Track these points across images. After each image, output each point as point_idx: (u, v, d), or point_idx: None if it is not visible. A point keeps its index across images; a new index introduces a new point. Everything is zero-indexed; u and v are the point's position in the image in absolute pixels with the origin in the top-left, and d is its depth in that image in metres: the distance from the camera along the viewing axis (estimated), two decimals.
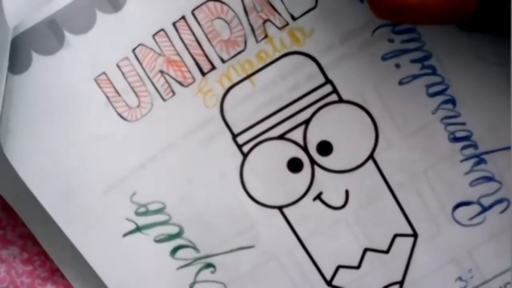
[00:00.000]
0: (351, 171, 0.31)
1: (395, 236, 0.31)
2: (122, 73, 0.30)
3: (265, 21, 0.30)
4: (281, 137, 0.31)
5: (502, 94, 0.30)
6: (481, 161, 0.31)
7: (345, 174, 0.31)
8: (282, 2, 0.29)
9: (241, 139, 0.31)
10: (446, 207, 0.31)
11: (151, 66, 0.30)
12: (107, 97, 0.30)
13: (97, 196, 0.31)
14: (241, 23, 0.30)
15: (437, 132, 0.30)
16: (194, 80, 0.30)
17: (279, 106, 0.30)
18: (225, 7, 0.29)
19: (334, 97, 0.30)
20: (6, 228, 0.33)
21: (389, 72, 0.30)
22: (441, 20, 0.25)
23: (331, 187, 0.31)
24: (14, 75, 0.30)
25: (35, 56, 0.30)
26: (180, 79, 0.30)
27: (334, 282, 0.32)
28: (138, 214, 0.31)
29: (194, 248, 0.32)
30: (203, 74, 0.30)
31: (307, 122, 0.30)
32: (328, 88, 0.30)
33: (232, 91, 0.30)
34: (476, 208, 0.31)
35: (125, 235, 0.31)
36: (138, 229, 0.31)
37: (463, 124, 0.30)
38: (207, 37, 0.30)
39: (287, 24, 0.30)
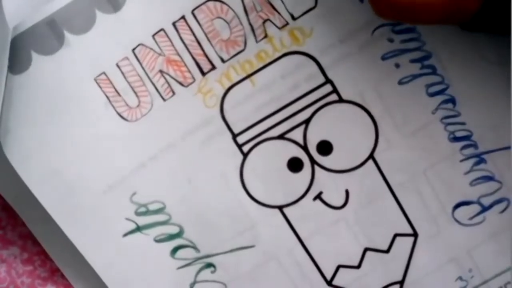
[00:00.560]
0: (351, 170, 0.31)
1: (395, 236, 0.31)
2: (122, 73, 0.30)
3: (265, 21, 0.30)
4: (281, 136, 0.31)
5: (502, 94, 0.30)
6: (481, 160, 0.31)
7: (345, 174, 0.31)
8: (282, 2, 0.29)
9: (241, 139, 0.31)
10: (446, 207, 0.31)
11: (151, 66, 0.30)
12: (107, 97, 0.30)
13: (97, 196, 0.31)
14: (241, 23, 0.30)
15: (437, 131, 0.30)
16: (194, 80, 0.30)
17: (279, 106, 0.30)
18: (225, 7, 0.29)
19: (334, 96, 0.30)
20: (6, 228, 0.33)
21: (389, 72, 0.30)
22: (442, 20, 0.25)
23: (331, 186, 0.31)
24: (14, 75, 0.30)
25: (35, 56, 0.30)
26: (180, 79, 0.30)
27: (334, 282, 0.32)
28: (138, 214, 0.31)
29: (194, 248, 0.32)
30: (203, 74, 0.30)
31: (307, 121, 0.30)
32: (328, 88, 0.30)
33: (232, 91, 0.30)
34: (476, 208, 0.31)
35: (125, 235, 0.31)
36: (138, 229, 0.31)
37: (463, 123, 0.30)
38: (207, 37, 0.30)
39: (287, 24, 0.30)
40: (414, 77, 0.30)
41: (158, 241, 0.32)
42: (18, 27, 0.29)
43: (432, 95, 0.30)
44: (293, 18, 0.30)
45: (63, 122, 0.30)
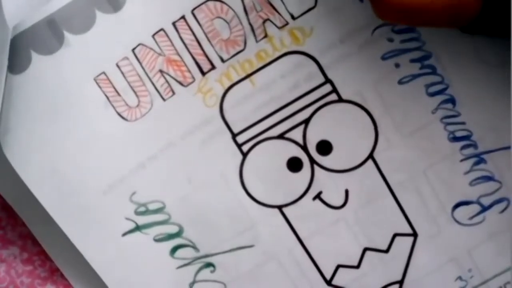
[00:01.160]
0: (351, 170, 0.31)
1: (395, 235, 0.31)
2: (122, 73, 0.30)
3: (265, 21, 0.30)
4: (281, 136, 0.31)
5: (502, 94, 0.30)
6: (481, 160, 0.31)
7: (344, 173, 0.31)
8: (282, 2, 0.29)
9: (240, 139, 0.31)
10: (446, 207, 0.31)
11: (151, 66, 0.30)
12: (107, 97, 0.30)
13: (97, 196, 0.31)
14: (241, 23, 0.30)
15: (436, 131, 0.30)
16: (194, 79, 0.30)
17: (278, 106, 0.30)
18: (225, 7, 0.29)
19: (333, 96, 0.30)
20: (6, 228, 0.33)
21: (388, 72, 0.30)
22: (443, 24, 0.25)
23: (331, 186, 0.31)
24: (14, 75, 0.30)
25: (35, 56, 0.30)
26: (180, 78, 0.30)
27: (334, 282, 0.32)
28: (137, 213, 0.31)
29: (194, 247, 0.32)
30: (203, 73, 0.30)
31: (306, 121, 0.30)
32: (327, 88, 0.30)
33: (231, 90, 0.30)
34: (475, 208, 0.31)
35: (124, 234, 0.31)
36: (138, 228, 0.31)
37: (463, 123, 0.30)
38: (207, 36, 0.30)
39: (287, 23, 0.30)
40: (414, 77, 0.30)
41: (157, 240, 0.32)
42: (18, 26, 0.29)
43: (432, 95, 0.30)
44: (293, 17, 0.30)
45: (62, 122, 0.30)
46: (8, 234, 0.33)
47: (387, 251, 0.32)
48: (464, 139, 0.31)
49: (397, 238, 0.31)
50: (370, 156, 0.31)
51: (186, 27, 0.30)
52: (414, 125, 0.30)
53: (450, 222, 0.31)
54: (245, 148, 0.31)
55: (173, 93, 0.30)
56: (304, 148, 0.31)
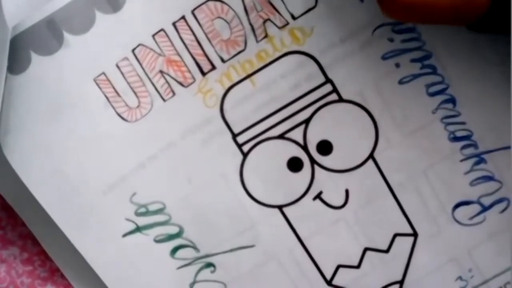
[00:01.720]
0: (351, 170, 0.31)
1: (395, 235, 0.31)
2: (122, 73, 0.30)
3: (265, 21, 0.30)
4: (281, 136, 0.31)
5: (502, 94, 0.30)
6: (481, 160, 0.31)
7: (345, 173, 0.31)
8: (282, 2, 0.29)
9: (241, 139, 0.31)
10: (446, 207, 0.31)
11: (151, 66, 0.30)
12: (107, 97, 0.30)
13: (97, 196, 0.31)
14: (241, 23, 0.30)
15: (437, 131, 0.30)
16: (194, 80, 0.30)
17: (279, 106, 0.30)
18: (225, 7, 0.29)
19: (334, 96, 0.30)
20: (6, 228, 0.33)
21: (389, 72, 0.30)
22: (450, 21, 0.25)
23: (331, 186, 0.31)
24: (13, 75, 0.30)
25: (34, 56, 0.30)
26: (180, 79, 0.30)
27: (334, 282, 0.32)
28: (138, 214, 0.31)
29: (194, 247, 0.32)
30: (203, 74, 0.30)
31: (307, 121, 0.30)
32: (328, 88, 0.30)
33: (232, 90, 0.30)
34: (476, 208, 0.31)
35: (125, 235, 0.31)
36: (138, 229, 0.31)
37: (463, 123, 0.30)
38: (207, 37, 0.30)
39: (287, 23, 0.30)
40: (414, 76, 0.30)
41: (158, 241, 0.32)
42: (18, 27, 0.29)
43: (432, 94, 0.30)
44: (294, 17, 0.30)
45: (62, 122, 0.30)
46: (8, 234, 0.33)
47: (387, 251, 0.32)
48: (464, 139, 0.31)
49: (397, 238, 0.31)
50: (371, 156, 0.31)
51: (186, 27, 0.30)
52: (414, 125, 0.30)
53: (450, 222, 0.31)
54: (245, 148, 0.31)
55: (173, 93, 0.30)
56: (305, 148, 0.31)
